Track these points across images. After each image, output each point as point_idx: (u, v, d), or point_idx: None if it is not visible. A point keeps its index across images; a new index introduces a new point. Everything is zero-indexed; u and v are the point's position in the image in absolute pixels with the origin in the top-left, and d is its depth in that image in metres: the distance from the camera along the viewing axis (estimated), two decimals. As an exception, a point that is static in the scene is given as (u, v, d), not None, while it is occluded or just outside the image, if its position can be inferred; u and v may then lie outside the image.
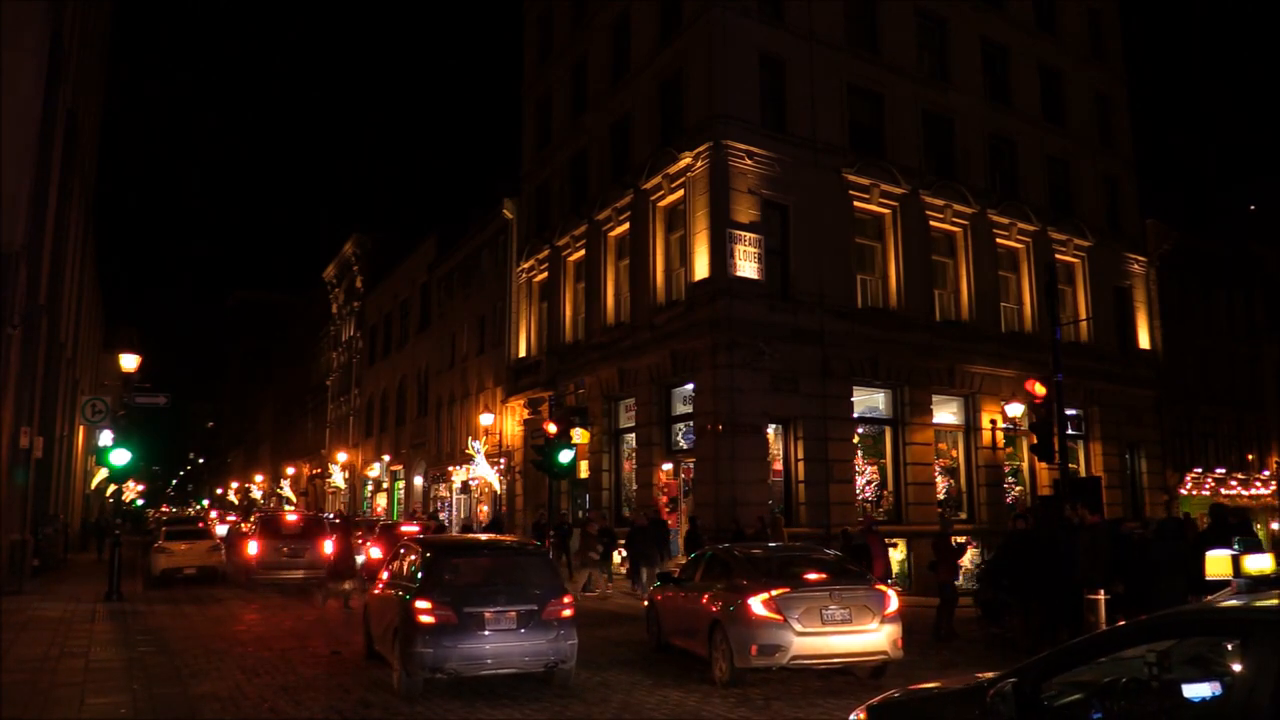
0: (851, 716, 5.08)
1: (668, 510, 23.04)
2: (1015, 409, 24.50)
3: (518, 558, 10.69)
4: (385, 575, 11.39)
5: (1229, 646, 4.07)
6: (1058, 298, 20.38)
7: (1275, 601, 4.00)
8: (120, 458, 20.34)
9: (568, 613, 9.73)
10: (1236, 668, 3.72)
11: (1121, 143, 32.12)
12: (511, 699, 9.40)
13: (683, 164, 23.05)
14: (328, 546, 22.82)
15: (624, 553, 21.46)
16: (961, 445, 25.68)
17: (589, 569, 19.90)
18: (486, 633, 9.34)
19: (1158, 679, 3.94)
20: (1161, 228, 32.41)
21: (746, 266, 21.72)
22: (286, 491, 72.02)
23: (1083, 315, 28.57)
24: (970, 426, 25.56)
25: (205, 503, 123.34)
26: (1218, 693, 3.74)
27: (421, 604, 9.31)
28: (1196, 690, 3.84)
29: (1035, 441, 19.75)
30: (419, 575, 9.83)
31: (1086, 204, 29.95)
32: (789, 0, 23.96)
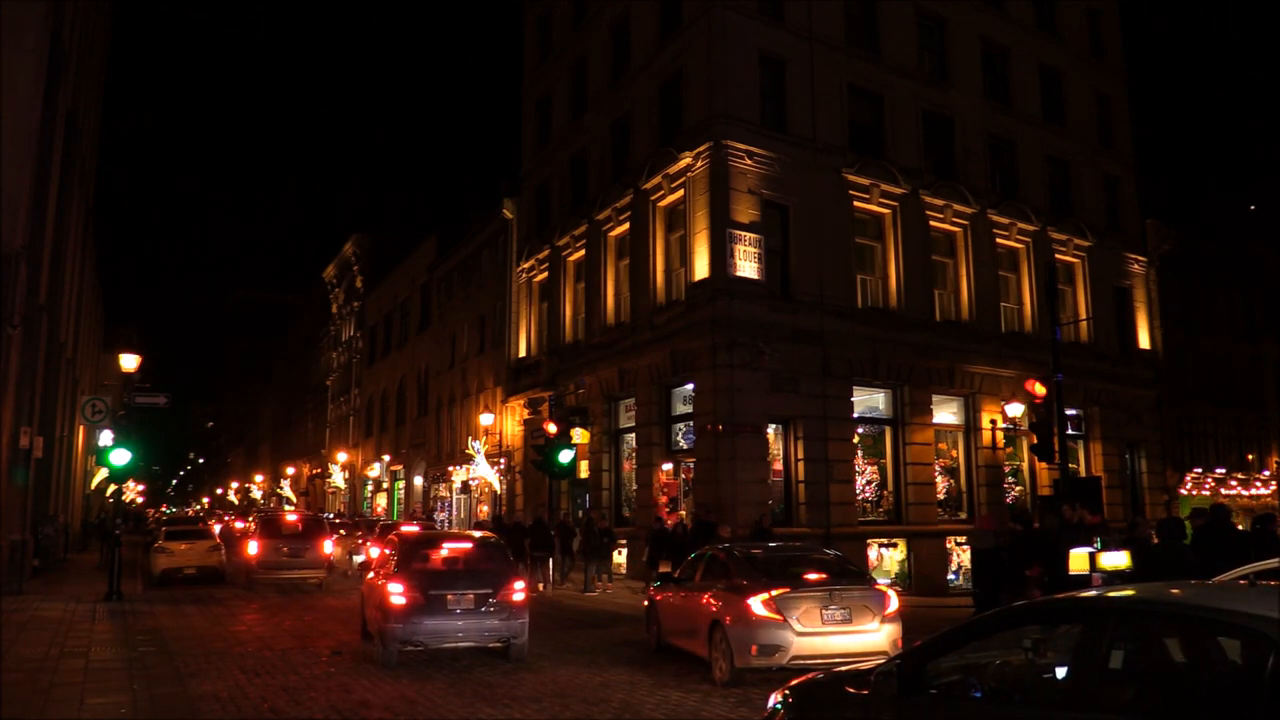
0: (774, 694, 5.55)
1: (667, 510, 23.02)
2: (1015, 409, 24.50)
3: (478, 549, 12.29)
4: (375, 567, 13.08)
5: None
6: (1058, 298, 20.38)
7: (1127, 592, 4.49)
8: (120, 458, 20.33)
9: (519, 596, 11.37)
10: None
11: (1121, 143, 32.10)
12: (512, 698, 9.41)
13: (683, 164, 23.04)
14: (327, 546, 22.88)
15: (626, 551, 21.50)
16: (961, 445, 25.67)
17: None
18: (449, 611, 11.00)
19: (1030, 660, 4.44)
20: (1161, 228, 32.39)
21: (746, 266, 21.71)
22: (286, 491, 72.04)
23: (1083, 315, 28.56)
24: (970, 426, 25.55)
25: (206, 501, 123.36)
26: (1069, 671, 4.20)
27: (394, 587, 10.98)
28: (1059, 670, 4.27)
29: (1035, 441, 19.75)
30: (395, 565, 11.53)
31: (1086, 204, 29.94)
32: (789, 0, 23.96)
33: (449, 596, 11.03)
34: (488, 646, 11.56)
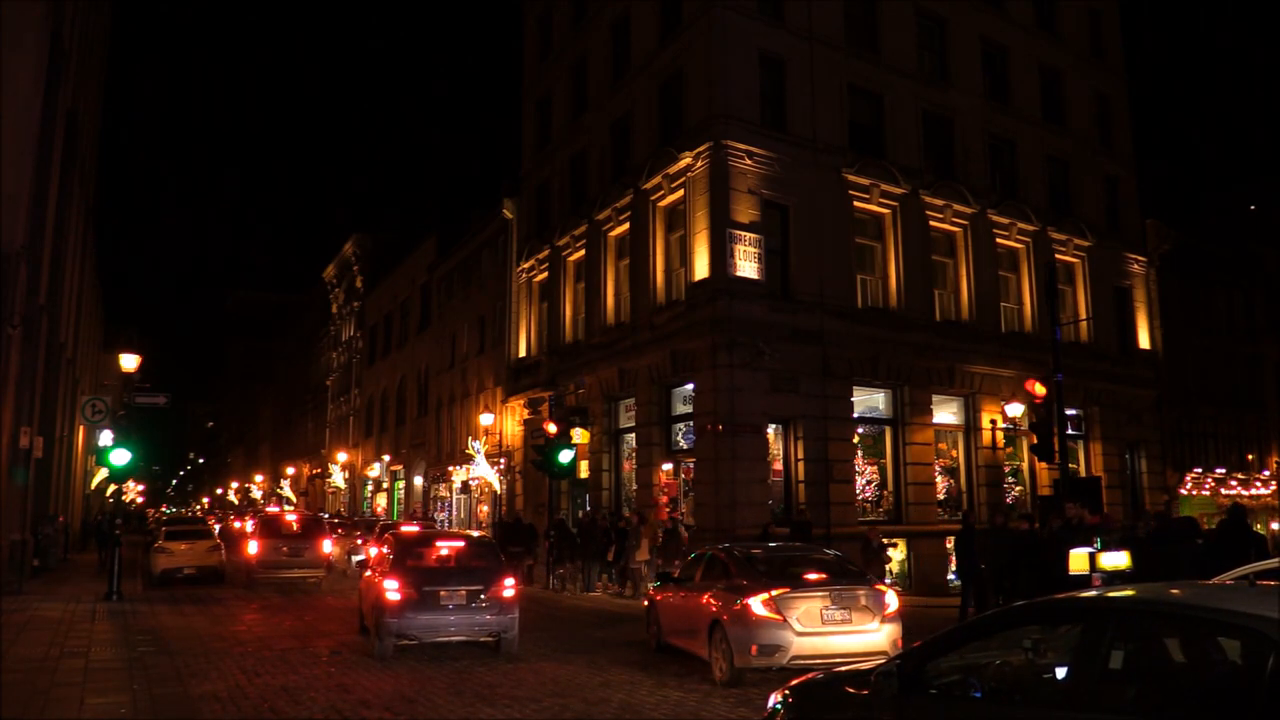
0: (774, 694, 5.57)
1: (668, 510, 23.02)
2: (1015, 409, 24.49)
3: (470, 547, 12.68)
4: (373, 565, 13.55)
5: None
6: (1058, 298, 20.38)
7: (1127, 592, 4.49)
8: (120, 458, 20.33)
9: (509, 593, 11.81)
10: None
11: (1121, 143, 32.09)
12: (512, 698, 9.41)
13: (683, 164, 23.04)
14: (326, 546, 22.91)
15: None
16: (961, 445, 25.66)
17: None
18: (442, 607, 11.46)
19: (1030, 660, 4.46)
20: (1161, 228, 32.38)
21: (746, 266, 21.71)
22: (286, 491, 72.01)
23: (1083, 315, 28.55)
24: (970, 426, 25.55)
25: (205, 501, 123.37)
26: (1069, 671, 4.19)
27: (389, 584, 11.47)
28: (1059, 670, 4.27)
29: (1035, 441, 19.75)
30: (391, 562, 11.94)
31: (1086, 204, 29.93)
32: (789, 0, 23.96)
33: (442, 593, 11.52)
34: (479, 640, 12.03)
